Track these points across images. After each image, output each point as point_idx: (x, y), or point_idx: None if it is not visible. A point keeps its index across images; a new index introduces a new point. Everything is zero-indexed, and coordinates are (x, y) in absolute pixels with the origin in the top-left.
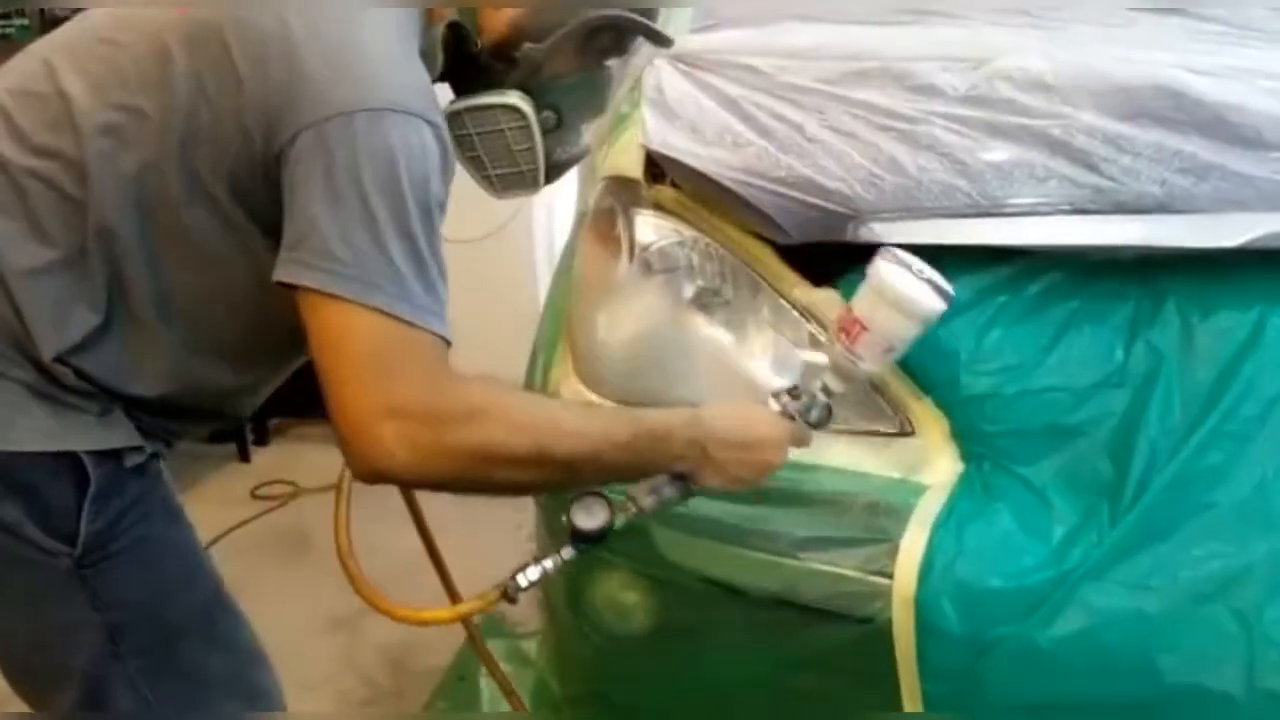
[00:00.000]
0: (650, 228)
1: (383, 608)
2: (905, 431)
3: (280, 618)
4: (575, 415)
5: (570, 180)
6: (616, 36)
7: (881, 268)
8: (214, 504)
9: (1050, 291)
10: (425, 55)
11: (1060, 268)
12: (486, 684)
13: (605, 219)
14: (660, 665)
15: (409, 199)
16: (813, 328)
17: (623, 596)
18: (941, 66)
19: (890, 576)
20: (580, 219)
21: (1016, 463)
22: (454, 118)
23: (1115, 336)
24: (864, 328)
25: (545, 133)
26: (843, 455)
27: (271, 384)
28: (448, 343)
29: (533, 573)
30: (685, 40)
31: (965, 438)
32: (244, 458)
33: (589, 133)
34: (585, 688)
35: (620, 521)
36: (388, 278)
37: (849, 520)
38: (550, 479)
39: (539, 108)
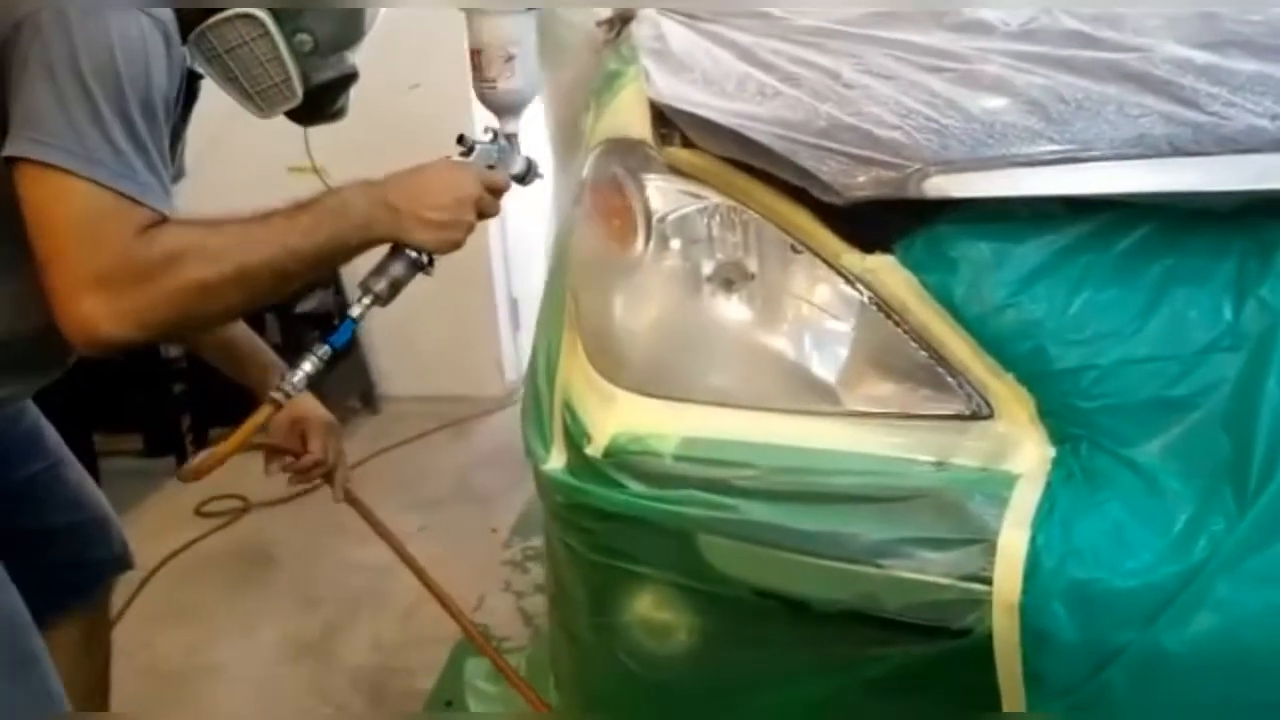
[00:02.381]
0: (664, 194)
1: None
2: (981, 414)
3: (241, 646)
4: (261, 223)
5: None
6: None
7: None
8: (155, 524)
9: (1143, 247)
10: None
11: (1151, 219)
12: (475, 705)
13: (608, 188)
14: (707, 692)
15: (126, 87)
16: (866, 299)
17: (657, 614)
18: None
19: (988, 581)
20: (576, 191)
21: (1119, 443)
22: (201, 39)
23: (1222, 294)
24: (477, 50)
25: (304, 54)
26: (913, 444)
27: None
28: (167, 219)
29: (297, 374)
30: None
31: (1056, 417)
32: None
33: (352, 58)
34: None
35: (357, 310)
36: (108, 154)
37: (931, 519)
38: (262, 289)
39: (292, 30)
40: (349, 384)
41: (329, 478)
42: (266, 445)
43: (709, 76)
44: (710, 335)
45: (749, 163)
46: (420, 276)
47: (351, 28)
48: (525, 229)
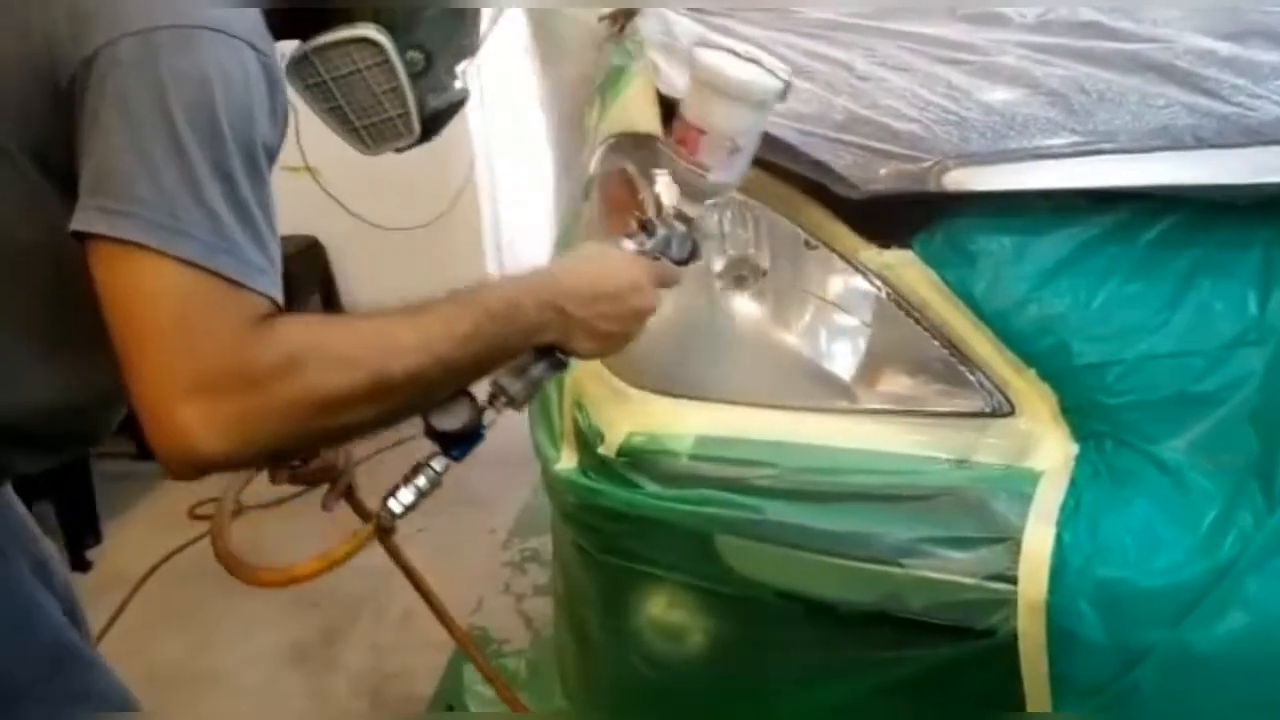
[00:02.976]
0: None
1: (246, 577)
2: (1002, 411)
3: (239, 651)
4: (407, 325)
5: (514, 158)
6: None
7: (702, 58)
8: (148, 528)
9: (1166, 239)
10: None
11: (1174, 211)
12: (475, 709)
13: (616, 183)
14: (722, 696)
15: (227, 133)
16: (884, 294)
17: (671, 616)
18: None
19: (1014, 581)
20: (584, 187)
21: (1144, 440)
22: (302, 64)
23: (1246, 287)
24: (700, 131)
25: (414, 76)
26: (935, 442)
27: (113, 396)
28: (279, 307)
29: (405, 495)
30: None
31: (1080, 413)
32: None
33: (463, 76)
34: None
35: (491, 416)
36: (203, 224)
37: (955, 518)
38: (403, 404)
39: (404, 46)
40: None
41: (336, 483)
42: None
43: None
44: (723, 332)
45: (763, 157)
46: (413, 274)
47: (470, 38)
48: (520, 225)
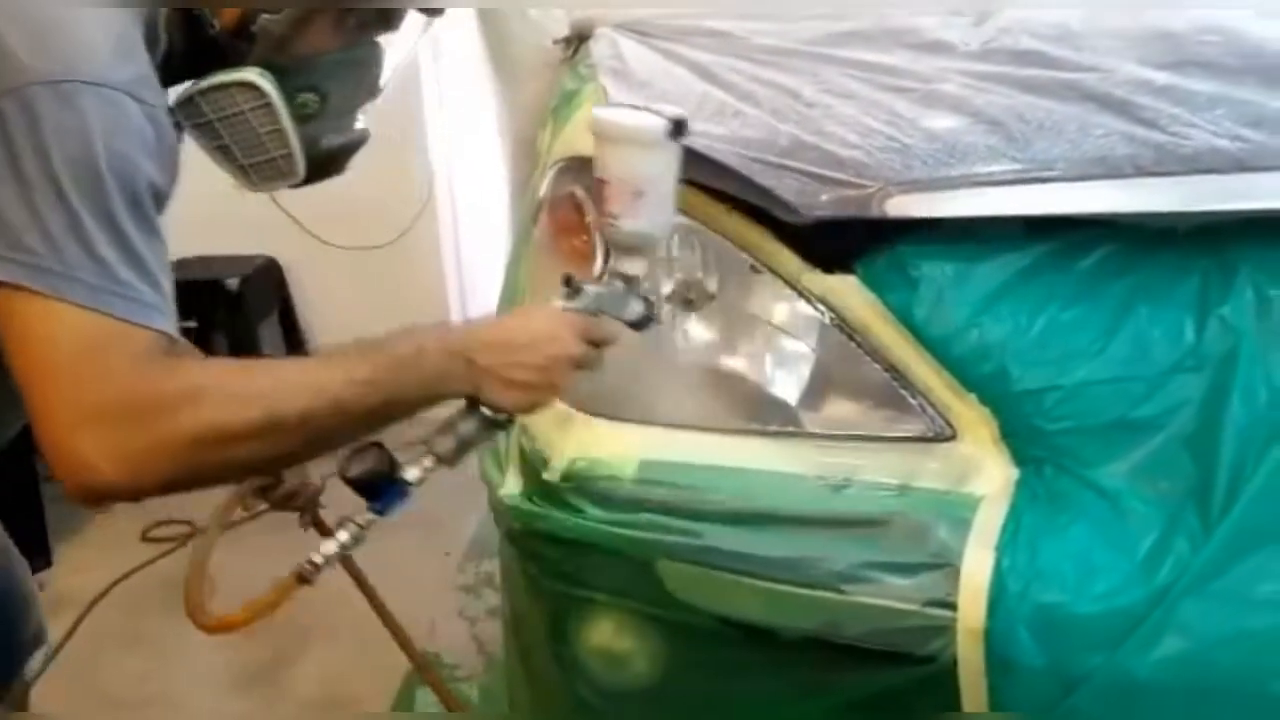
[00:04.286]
0: None
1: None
2: (943, 436)
3: (189, 674)
4: (303, 368)
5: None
6: (380, 10)
7: (596, 113)
8: (101, 550)
9: (1104, 267)
10: (149, 38)
11: (1111, 239)
12: None
13: (565, 207)
14: None
15: (109, 181)
16: (827, 319)
17: (616, 643)
18: (941, 22)
19: (953, 607)
20: (534, 210)
21: (1083, 465)
22: (189, 104)
23: (1184, 314)
24: (603, 180)
25: (308, 117)
26: (876, 466)
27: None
28: (173, 340)
29: (328, 547)
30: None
31: (1019, 439)
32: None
33: (364, 118)
34: None
35: (417, 473)
36: (89, 269)
37: (896, 543)
38: (294, 445)
39: (295, 89)
40: None
41: (302, 508)
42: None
43: (668, 95)
44: (669, 356)
45: (709, 182)
46: (372, 295)
47: (365, 85)
48: (479, 246)
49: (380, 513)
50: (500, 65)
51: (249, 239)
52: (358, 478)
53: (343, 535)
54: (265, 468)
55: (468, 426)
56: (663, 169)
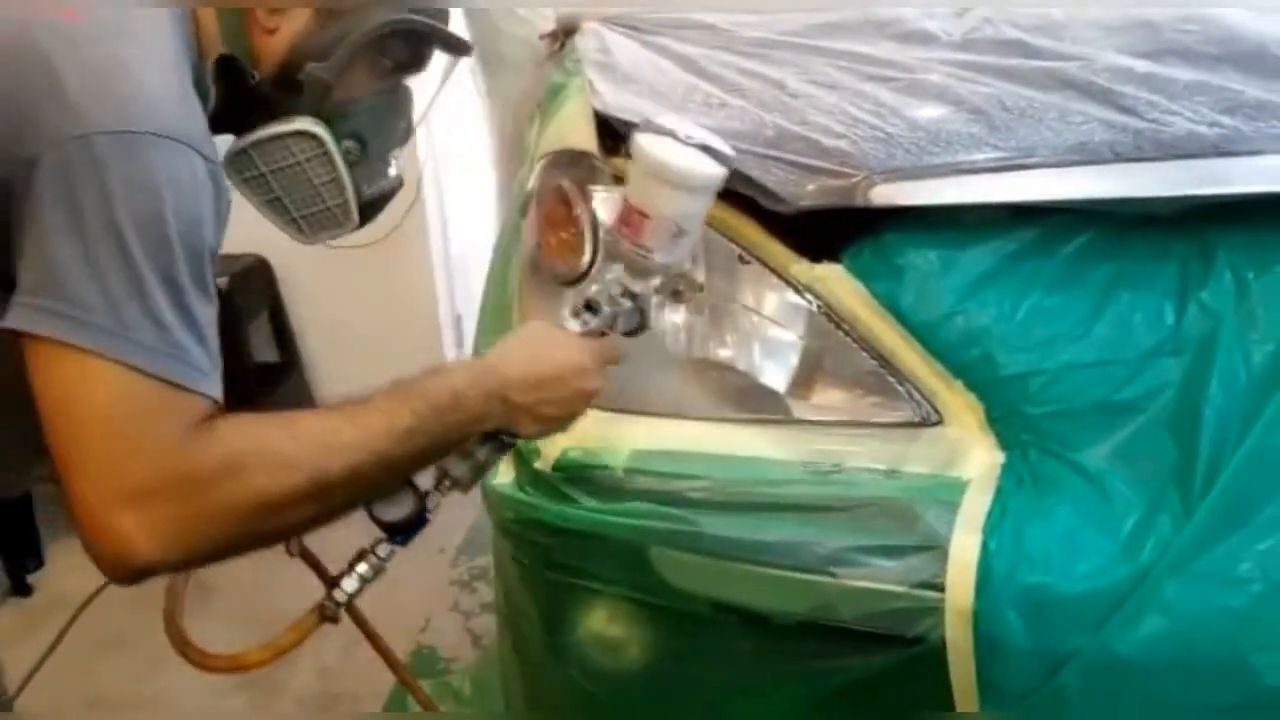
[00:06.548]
0: (611, 205)
1: (194, 659)
2: (930, 421)
3: (181, 678)
4: (345, 423)
5: (463, 174)
6: (410, 47)
7: (643, 143)
8: (85, 555)
9: (1086, 252)
10: (200, 91)
11: (1093, 226)
12: None
13: (553, 200)
14: (663, 708)
15: (175, 242)
16: (814, 308)
17: (609, 630)
18: (924, 13)
19: (941, 589)
20: (522, 204)
21: (1067, 448)
22: (240, 158)
23: (1164, 299)
24: (644, 215)
25: (352, 164)
26: (864, 453)
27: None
28: (219, 405)
29: (350, 584)
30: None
31: (1005, 423)
32: None
33: (396, 164)
34: None
35: (435, 501)
36: (148, 331)
37: (884, 527)
38: (343, 502)
39: (339, 136)
40: (289, 403)
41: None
42: None
43: (655, 88)
44: (659, 346)
45: None
46: (361, 293)
47: (400, 129)
48: (468, 243)
49: (402, 544)
50: (487, 61)
51: (238, 238)
52: (395, 523)
53: (363, 568)
54: (312, 528)
55: (484, 453)
56: (704, 206)
